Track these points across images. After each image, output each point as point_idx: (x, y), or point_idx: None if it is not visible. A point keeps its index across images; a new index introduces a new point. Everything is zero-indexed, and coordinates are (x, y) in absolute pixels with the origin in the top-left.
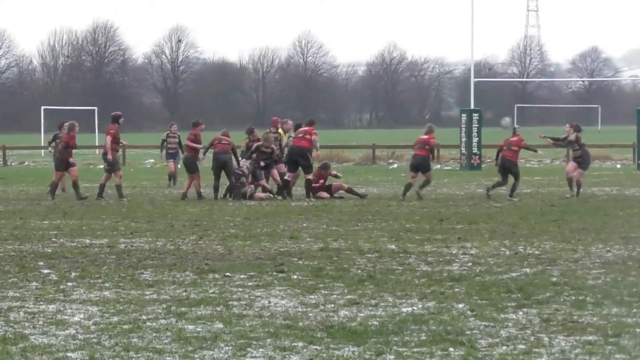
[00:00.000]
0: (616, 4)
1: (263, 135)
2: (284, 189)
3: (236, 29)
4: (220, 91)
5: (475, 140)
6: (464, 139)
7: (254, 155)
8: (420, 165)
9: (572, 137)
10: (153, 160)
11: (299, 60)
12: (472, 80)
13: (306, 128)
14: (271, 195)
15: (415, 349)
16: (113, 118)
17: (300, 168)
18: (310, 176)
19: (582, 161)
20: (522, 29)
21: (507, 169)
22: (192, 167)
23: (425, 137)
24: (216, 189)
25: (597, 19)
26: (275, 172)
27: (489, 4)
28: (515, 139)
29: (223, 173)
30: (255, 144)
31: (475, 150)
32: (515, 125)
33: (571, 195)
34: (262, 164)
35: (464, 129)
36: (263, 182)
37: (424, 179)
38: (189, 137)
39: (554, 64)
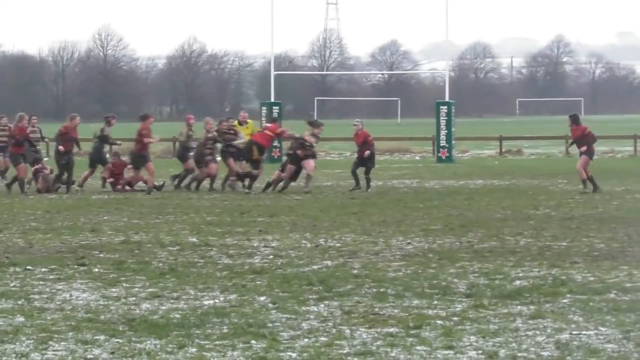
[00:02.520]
0: None
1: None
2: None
3: (36, 22)
4: (19, 84)
5: None
6: None
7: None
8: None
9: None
10: None
11: (99, 53)
12: (272, 73)
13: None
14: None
15: (217, 342)
16: None
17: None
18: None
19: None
20: (322, 22)
21: None
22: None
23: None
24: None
25: (396, 13)
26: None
27: None
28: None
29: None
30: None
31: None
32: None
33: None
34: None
35: (264, 121)
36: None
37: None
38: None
39: (354, 57)
